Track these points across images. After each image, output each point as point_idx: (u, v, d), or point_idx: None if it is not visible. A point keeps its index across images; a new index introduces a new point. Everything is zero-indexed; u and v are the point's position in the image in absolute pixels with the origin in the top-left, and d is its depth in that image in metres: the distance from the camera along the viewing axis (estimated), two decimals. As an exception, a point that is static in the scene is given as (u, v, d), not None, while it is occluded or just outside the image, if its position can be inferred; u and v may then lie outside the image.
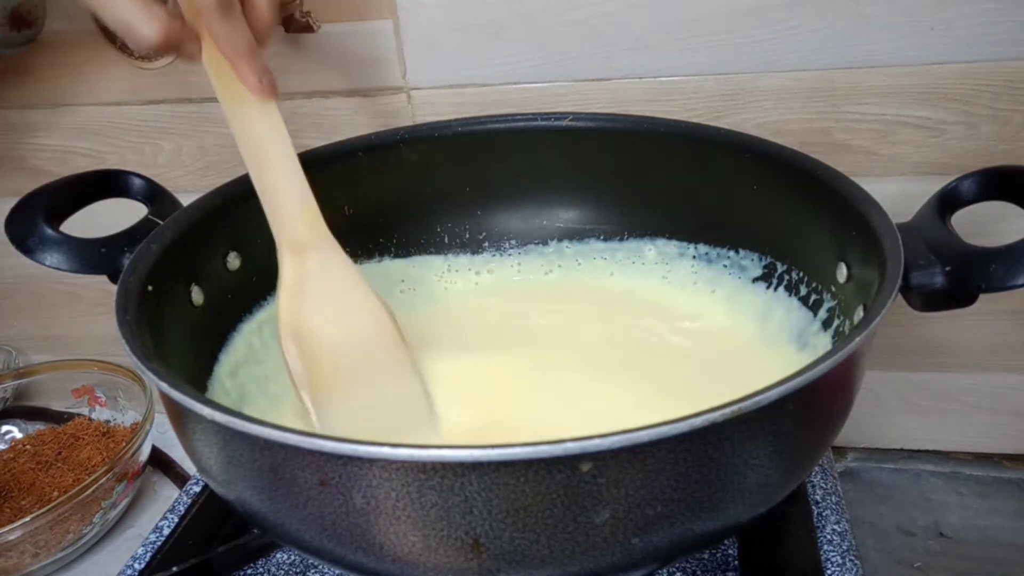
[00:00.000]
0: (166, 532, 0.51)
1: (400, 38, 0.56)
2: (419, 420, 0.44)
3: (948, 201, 0.41)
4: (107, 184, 0.49)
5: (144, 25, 0.37)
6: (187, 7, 0.40)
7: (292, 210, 0.43)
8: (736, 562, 0.47)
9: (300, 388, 0.43)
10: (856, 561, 0.46)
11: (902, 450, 0.63)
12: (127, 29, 0.38)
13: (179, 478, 0.64)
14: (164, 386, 0.33)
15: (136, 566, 0.49)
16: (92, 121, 0.63)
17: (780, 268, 0.49)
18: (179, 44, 0.40)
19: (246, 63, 0.41)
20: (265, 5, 0.41)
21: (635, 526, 0.31)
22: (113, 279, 0.43)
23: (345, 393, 0.43)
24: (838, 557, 0.46)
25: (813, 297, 0.46)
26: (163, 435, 0.63)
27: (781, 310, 0.48)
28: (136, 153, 0.64)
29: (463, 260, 0.57)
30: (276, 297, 0.44)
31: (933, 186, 0.42)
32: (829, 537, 0.48)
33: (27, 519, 0.52)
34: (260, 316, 0.50)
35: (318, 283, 0.43)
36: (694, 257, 0.53)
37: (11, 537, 0.52)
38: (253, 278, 0.50)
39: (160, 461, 0.65)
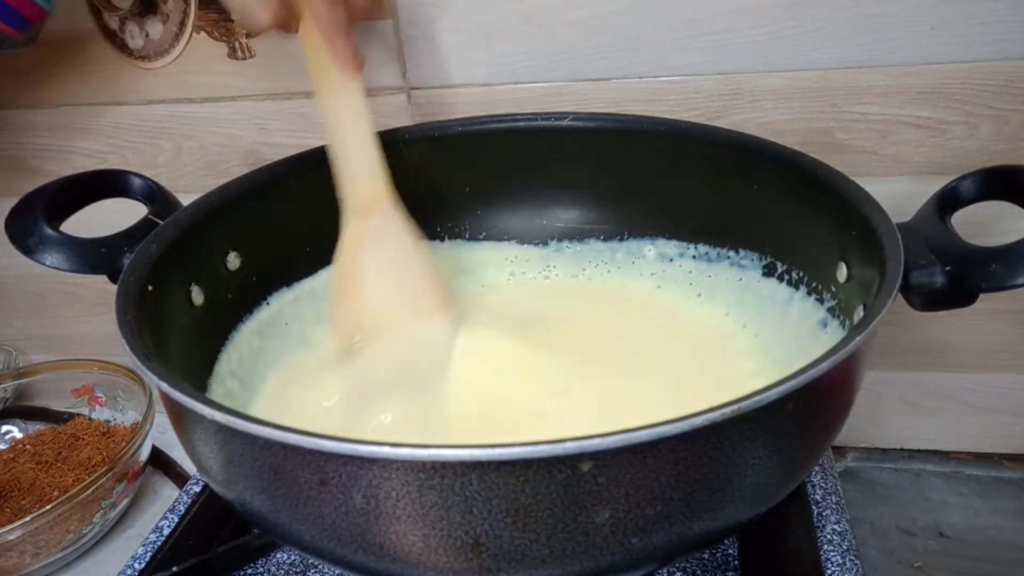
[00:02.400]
0: (166, 532, 0.51)
1: (400, 38, 0.56)
2: (433, 385, 0.46)
3: (948, 201, 0.41)
4: (107, 184, 0.49)
5: (259, 10, 0.43)
6: None
7: (363, 175, 0.47)
8: (736, 562, 0.47)
9: (340, 336, 0.46)
10: (856, 561, 0.46)
11: (902, 450, 0.63)
12: (244, 12, 0.43)
13: (179, 478, 0.64)
14: (164, 386, 0.33)
15: (136, 566, 0.49)
16: (92, 121, 0.63)
17: (780, 268, 0.49)
18: (284, 23, 0.44)
19: (342, 40, 0.44)
20: None
21: (635, 526, 0.31)
22: (113, 279, 0.43)
23: (379, 344, 0.46)
24: (838, 557, 0.46)
25: (813, 297, 0.46)
26: (163, 435, 0.63)
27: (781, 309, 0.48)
28: (136, 153, 0.64)
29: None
30: (337, 249, 0.47)
31: (933, 186, 0.42)
32: (829, 537, 0.48)
33: (27, 519, 0.52)
34: (261, 316, 0.50)
35: (377, 239, 0.47)
36: (694, 257, 0.53)
37: (11, 537, 0.52)
38: (253, 278, 0.50)
39: (160, 461, 0.65)
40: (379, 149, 0.47)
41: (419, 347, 0.47)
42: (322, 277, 0.53)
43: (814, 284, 0.46)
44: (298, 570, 0.49)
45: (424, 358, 0.46)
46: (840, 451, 0.63)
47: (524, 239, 0.56)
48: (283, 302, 0.52)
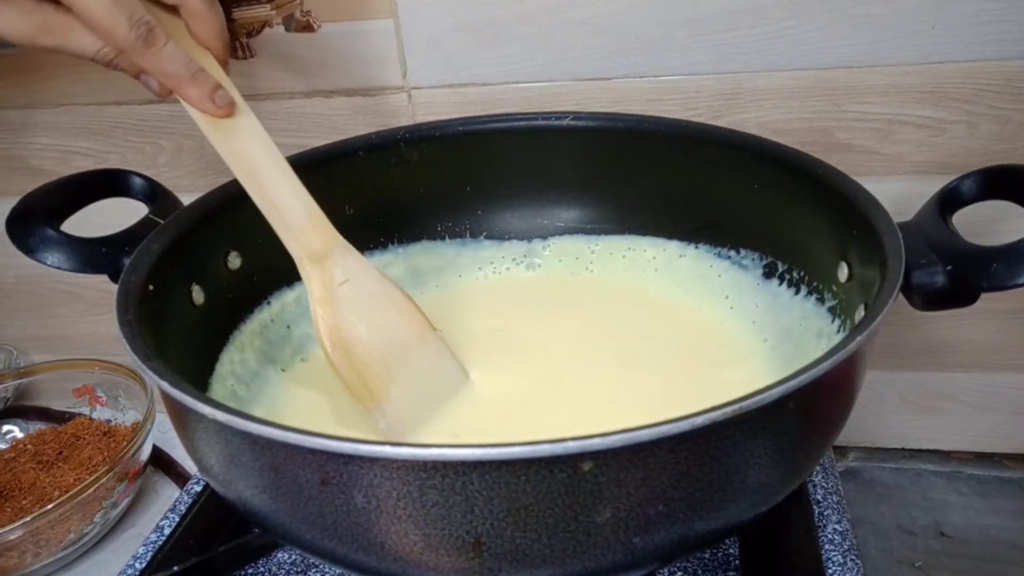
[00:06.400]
0: (167, 532, 0.51)
1: (400, 38, 0.56)
2: (458, 387, 0.46)
3: (949, 200, 0.41)
4: (108, 183, 0.49)
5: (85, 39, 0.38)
6: (112, 47, 0.38)
7: (302, 223, 0.43)
8: (737, 562, 0.47)
9: (361, 397, 0.43)
10: (857, 560, 0.46)
11: (903, 449, 0.63)
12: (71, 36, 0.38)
13: (180, 478, 0.64)
14: (165, 385, 0.33)
15: (137, 566, 0.49)
16: (93, 121, 0.63)
17: (781, 267, 0.49)
18: (108, 61, 0.39)
19: (190, 88, 0.40)
20: (200, 18, 0.40)
21: (636, 525, 0.31)
22: (114, 278, 0.43)
23: (396, 386, 0.43)
24: (839, 556, 0.46)
25: (814, 296, 0.46)
26: (164, 435, 0.63)
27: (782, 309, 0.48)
28: (137, 153, 0.64)
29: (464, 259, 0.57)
30: (312, 312, 0.43)
31: (934, 185, 0.42)
32: (830, 536, 0.48)
33: (28, 519, 0.52)
34: (262, 316, 0.50)
35: (346, 290, 0.43)
36: (694, 257, 0.53)
37: (12, 537, 0.52)
38: (254, 277, 0.50)
39: (161, 461, 0.65)
40: (304, 188, 0.43)
41: (429, 370, 0.45)
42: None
43: (815, 284, 0.46)
44: (299, 570, 0.49)
45: (439, 376, 0.46)
46: (841, 451, 0.64)
47: (524, 238, 0.56)
48: (284, 302, 0.51)
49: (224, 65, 0.43)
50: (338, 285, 0.43)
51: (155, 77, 0.39)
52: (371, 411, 0.43)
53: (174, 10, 0.41)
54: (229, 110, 0.41)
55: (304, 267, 0.43)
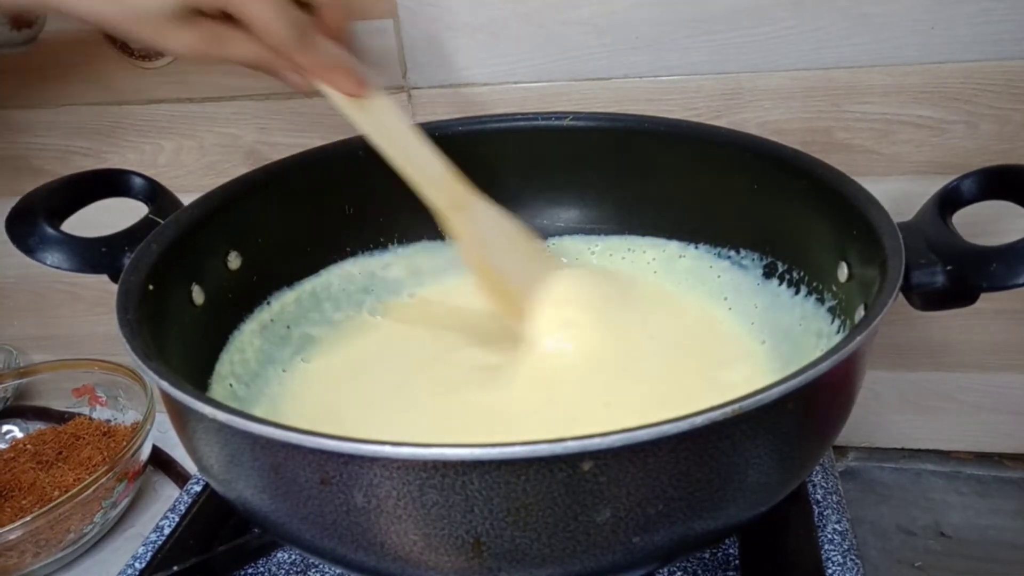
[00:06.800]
0: (167, 531, 0.51)
1: (400, 38, 0.56)
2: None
3: (949, 200, 0.41)
4: (108, 183, 0.49)
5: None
6: (270, 47, 0.41)
7: (441, 177, 0.47)
8: (736, 561, 0.47)
9: (509, 315, 0.48)
10: (857, 560, 0.46)
11: (903, 449, 0.63)
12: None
13: (180, 477, 0.64)
14: (165, 385, 0.33)
15: (137, 565, 0.49)
16: (92, 121, 0.63)
17: (781, 268, 0.49)
18: (262, 64, 0.43)
19: (339, 75, 0.44)
20: (334, 10, 0.44)
21: (636, 525, 0.31)
22: (114, 278, 0.43)
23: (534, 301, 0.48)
24: (839, 556, 0.46)
25: (814, 296, 0.46)
26: (164, 435, 0.63)
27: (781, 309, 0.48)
28: (136, 152, 0.64)
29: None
30: (460, 253, 0.48)
31: (934, 185, 0.42)
32: (830, 536, 0.48)
33: (28, 518, 0.52)
34: (262, 316, 0.50)
35: (485, 229, 0.49)
36: (694, 257, 0.53)
37: (12, 536, 0.52)
38: (254, 277, 0.50)
39: (161, 461, 0.65)
40: (432, 143, 0.47)
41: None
42: (323, 277, 0.53)
43: (815, 284, 0.46)
44: (299, 570, 0.49)
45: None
46: (841, 450, 0.64)
47: (524, 239, 0.56)
48: (284, 302, 0.51)
49: (350, 48, 0.46)
50: (478, 227, 0.48)
51: (309, 70, 0.43)
52: (518, 324, 0.48)
53: (307, 7, 0.43)
54: (368, 88, 0.46)
55: (447, 215, 0.48)
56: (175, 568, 0.45)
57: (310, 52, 0.42)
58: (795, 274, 0.48)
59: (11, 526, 0.52)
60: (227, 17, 0.40)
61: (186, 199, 0.48)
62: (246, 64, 0.42)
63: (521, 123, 0.53)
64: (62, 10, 0.41)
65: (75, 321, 0.73)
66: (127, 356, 0.35)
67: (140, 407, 0.63)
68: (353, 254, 0.55)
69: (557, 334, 0.47)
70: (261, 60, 0.42)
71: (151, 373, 0.34)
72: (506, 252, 0.49)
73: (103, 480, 0.55)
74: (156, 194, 0.49)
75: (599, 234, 0.55)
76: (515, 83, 0.56)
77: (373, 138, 0.46)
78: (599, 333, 0.48)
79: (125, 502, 0.60)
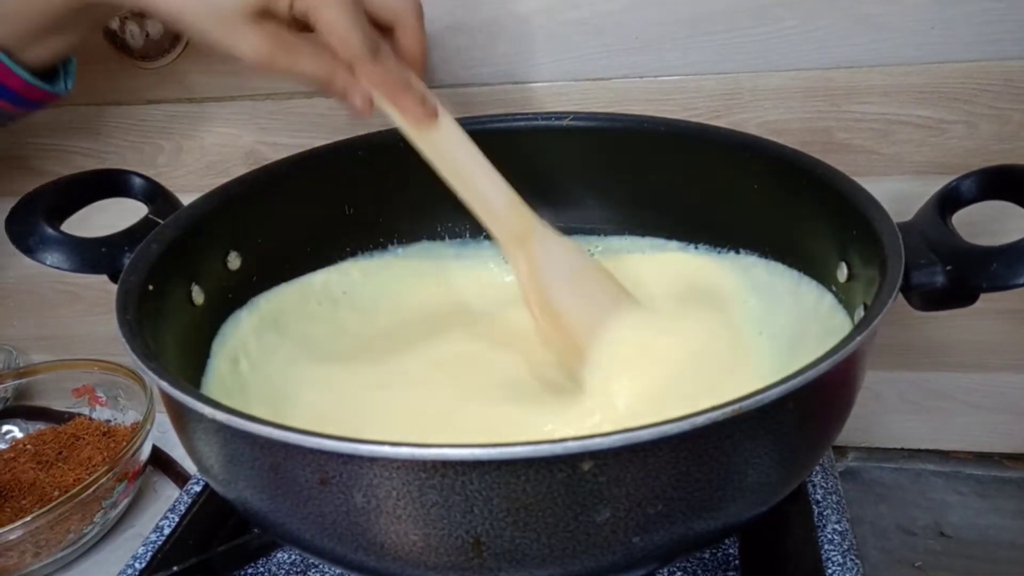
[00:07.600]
0: (167, 532, 0.51)
1: (400, 38, 0.56)
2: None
3: (949, 200, 0.41)
4: (107, 183, 0.49)
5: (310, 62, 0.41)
6: (341, 59, 0.41)
7: (503, 210, 0.46)
8: (736, 561, 0.47)
9: (568, 358, 0.46)
10: (856, 560, 0.46)
11: (903, 449, 0.63)
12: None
13: (180, 478, 0.64)
14: (165, 385, 0.33)
15: (137, 565, 0.49)
16: (92, 121, 0.63)
17: (781, 267, 0.49)
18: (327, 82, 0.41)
19: (404, 97, 0.43)
20: (413, 34, 0.43)
21: (636, 525, 0.31)
22: (113, 279, 0.43)
23: (599, 345, 0.46)
24: (839, 556, 0.46)
25: (814, 296, 0.46)
26: (163, 435, 0.63)
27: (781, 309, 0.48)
28: (136, 152, 0.64)
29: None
30: (520, 288, 0.47)
31: (934, 185, 0.42)
32: (830, 536, 0.48)
33: (28, 519, 0.52)
34: (261, 315, 0.50)
35: (549, 265, 0.47)
36: (695, 257, 0.53)
37: (12, 537, 0.52)
38: (253, 278, 0.50)
39: (161, 461, 0.65)
40: (502, 177, 0.46)
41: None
42: (321, 277, 0.53)
43: (815, 284, 0.46)
44: (298, 570, 0.49)
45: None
46: (840, 451, 0.63)
47: (524, 239, 0.56)
48: (284, 301, 0.51)
49: (421, 75, 0.45)
50: (540, 264, 0.46)
51: (379, 87, 0.42)
52: (576, 363, 0.45)
53: (382, 28, 0.43)
54: (433, 116, 0.44)
55: (509, 248, 0.47)
56: (175, 568, 0.45)
57: (381, 68, 0.41)
58: (795, 274, 0.48)
59: (11, 526, 0.52)
60: (301, 28, 0.40)
61: (186, 199, 0.48)
62: (312, 79, 0.41)
63: (521, 123, 0.53)
64: (138, 7, 0.40)
65: (75, 321, 0.73)
66: (127, 356, 0.35)
67: (140, 407, 0.63)
68: (353, 254, 0.55)
69: (620, 394, 0.44)
70: (328, 76, 0.41)
71: (151, 373, 0.34)
72: (570, 287, 0.47)
73: (103, 480, 0.55)
74: (156, 194, 0.49)
75: (599, 234, 0.55)
76: (515, 83, 0.56)
77: (436, 165, 0.44)
78: (660, 398, 0.45)
79: (125, 502, 0.60)
